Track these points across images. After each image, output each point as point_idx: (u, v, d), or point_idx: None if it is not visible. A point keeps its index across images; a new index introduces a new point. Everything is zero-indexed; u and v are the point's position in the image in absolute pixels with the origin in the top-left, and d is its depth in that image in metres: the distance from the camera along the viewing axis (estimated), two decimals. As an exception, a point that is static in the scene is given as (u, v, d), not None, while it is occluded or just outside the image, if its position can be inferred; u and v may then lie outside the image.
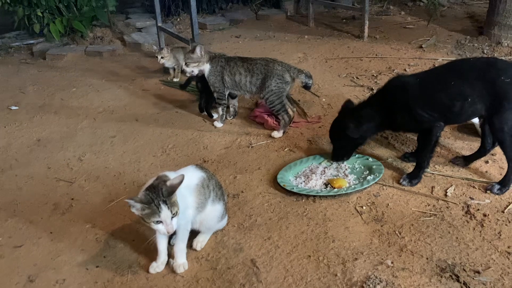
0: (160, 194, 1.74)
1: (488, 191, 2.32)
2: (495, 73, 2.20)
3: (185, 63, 3.04)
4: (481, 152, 2.52)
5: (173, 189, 1.75)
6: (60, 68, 4.61)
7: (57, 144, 3.09)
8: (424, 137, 2.37)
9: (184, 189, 1.89)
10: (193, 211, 1.94)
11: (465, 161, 2.55)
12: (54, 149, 3.03)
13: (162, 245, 1.94)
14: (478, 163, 2.55)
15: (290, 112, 3.10)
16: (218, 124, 3.18)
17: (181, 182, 1.77)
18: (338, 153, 2.58)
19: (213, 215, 2.03)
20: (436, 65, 3.96)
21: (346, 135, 2.46)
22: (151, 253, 1.98)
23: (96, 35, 5.28)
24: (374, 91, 2.60)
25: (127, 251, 2.06)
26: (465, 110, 2.26)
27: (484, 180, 2.40)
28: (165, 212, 1.74)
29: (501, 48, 4.19)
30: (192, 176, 1.98)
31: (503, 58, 4.03)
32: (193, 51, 3.00)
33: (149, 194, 1.75)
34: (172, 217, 1.76)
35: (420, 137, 2.44)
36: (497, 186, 2.32)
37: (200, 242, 2.05)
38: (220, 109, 3.16)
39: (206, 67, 3.06)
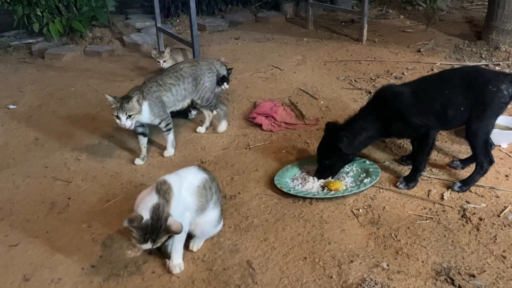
0: (155, 233, 1.76)
1: (449, 189, 2.38)
2: (483, 82, 2.28)
3: (128, 117, 2.54)
4: None
5: (167, 233, 1.78)
6: (58, 67, 4.61)
7: (54, 143, 3.08)
8: (421, 141, 2.39)
9: (185, 191, 1.89)
10: (192, 213, 1.94)
11: (462, 164, 2.56)
12: (51, 148, 3.02)
13: None
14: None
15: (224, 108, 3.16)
16: (170, 151, 2.87)
17: (177, 231, 1.77)
18: (326, 171, 2.48)
19: (210, 220, 2.02)
20: (434, 70, 3.99)
21: (338, 152, 2.40)
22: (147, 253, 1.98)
23: (95, 35, 5.27)
24: (364, 104, 2.56)
25: (123, 251, 2.06)
26: (458, 117, 2.32)
27: (480, 184, 2.41)
28: (147, 246, 1.79)
29: (499, 53, 4.20)
30: (194, 178, 1.98)
31: (500, 63, 4.05)
32: (129, 101, 2.54)
33: (146, 227, 1.75)
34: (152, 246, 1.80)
35: (417, 142, 2.45)
36: (458, 184, 2.38)
37: (197, 243, 2.05)
38: (171, 134, 2.85)
39: (145, 106, 2.65)
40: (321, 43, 4.92)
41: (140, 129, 2.77)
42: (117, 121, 2.57)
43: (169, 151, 2.88)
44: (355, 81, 3.87)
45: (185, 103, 2.96)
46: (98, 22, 5.39)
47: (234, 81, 3.97)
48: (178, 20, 5.90)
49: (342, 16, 5.92)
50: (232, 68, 3.35)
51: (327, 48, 4.75)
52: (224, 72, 3.15)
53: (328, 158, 2.46)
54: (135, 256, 1.96)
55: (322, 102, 3.53)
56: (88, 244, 2.12)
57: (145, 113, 2.67)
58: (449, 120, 2.34)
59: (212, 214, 2.02)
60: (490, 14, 4.33)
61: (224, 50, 4.89)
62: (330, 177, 2.51)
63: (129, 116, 2.56)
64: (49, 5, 5.00)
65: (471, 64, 4.08)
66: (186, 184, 1.93)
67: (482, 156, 2.32)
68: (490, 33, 4.34)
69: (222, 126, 3.11)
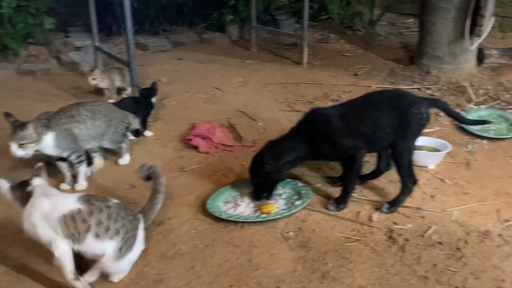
0: None
1: (378, 210, 2.42)
2: (407, 104, 2.38)
3: (20, 146, 2.33)
4: (376, 174, 2.67)
5: None
6: (-12, 87, 4.36)
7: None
8: (349, 164, 2.43)
9: (46, 216, 1.81)
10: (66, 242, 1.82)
11: (360, 179, 2.61)
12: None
13: None
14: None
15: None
16: (82, 185, 2.65)
17: None
18: (258, 191, 2.46)
19: (107, 254, 1.86)
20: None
21: (264, 171, 2.40)
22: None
23: (31, 53, 5.07)
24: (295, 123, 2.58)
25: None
26: (385, 139, 2.40)
27: (407, 205, 2.46)
28: None
29: (429, 77, 4.41)
30: (63, 205, 1.85)
31: (431, 87, 4.25)
32: (23, 128, 2.33)
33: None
34: None
35: (346, 164, 2.49)
36: (387, 205, 2.42)
37: (118, 274, 1.94)
38: (83, 167, 2.64)
39: (48, 137, 2.45)
40: (263, 66, 4.97)
41: (55, 156, 2.59)
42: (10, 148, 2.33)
43: (81, 185, 2.64)
44: (294, 103, 3.92)
45: (95, 144, 2.71)
46: (35, 40, 5.19)
47: (173, 101, 3.91)
48: (120, 39, 5.78)
49: (285, 40, 6.02)
50: (155, 82, 3.41)
51: (269, 70, 4.80)
52: (137, 126, 3.04)
53: (257, 178, 2.45)
54: None
55: (260, 124, 3.54)
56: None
57: (49, 145, 2.46)
58: (376, 142, 2.41)
59: (102, 247, 1.85)
60: (421, 40, 4.56)
61: (166, 70, 4.82)
62: (265, 197, 2.47)
63: (21, 145, 2.32)
64: (-21, 22, 4.75)
65: (405, 87, 4.26)
66: (50, 206, 1.83)
67: (406, 176, 2.40)
68: (421, 58, 4.56)
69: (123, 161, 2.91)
